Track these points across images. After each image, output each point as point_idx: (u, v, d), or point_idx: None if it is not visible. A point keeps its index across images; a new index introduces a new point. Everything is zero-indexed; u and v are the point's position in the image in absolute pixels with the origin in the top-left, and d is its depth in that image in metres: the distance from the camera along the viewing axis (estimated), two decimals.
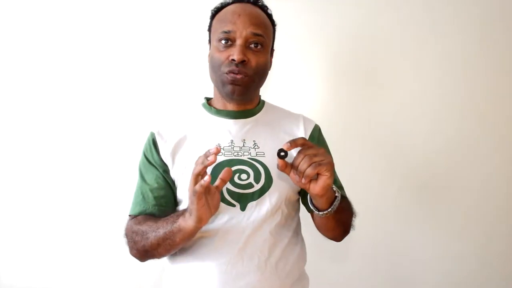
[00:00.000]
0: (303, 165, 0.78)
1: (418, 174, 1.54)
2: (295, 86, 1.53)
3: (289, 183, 0.98)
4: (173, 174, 0.99)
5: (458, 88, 1.54)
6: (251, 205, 0.94)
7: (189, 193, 0.81)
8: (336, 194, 0.89)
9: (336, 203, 0.88)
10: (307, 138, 1.03)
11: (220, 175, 0.83)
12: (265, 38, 0.97)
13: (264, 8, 1.02)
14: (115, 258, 1.50)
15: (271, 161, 0.97)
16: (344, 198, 1.02)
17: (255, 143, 0.99)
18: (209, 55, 1.02)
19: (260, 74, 0.98)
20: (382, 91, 1.54)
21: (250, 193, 0.95)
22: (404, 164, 1.54)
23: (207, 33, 1.05)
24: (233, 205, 0.94)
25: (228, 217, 0.94)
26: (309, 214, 1.08)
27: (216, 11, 1.02)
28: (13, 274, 1.51)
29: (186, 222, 0.83)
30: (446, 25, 1.53)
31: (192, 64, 1.49)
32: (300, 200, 1.07)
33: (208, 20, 1.05)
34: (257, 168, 0.96)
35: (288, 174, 0.83)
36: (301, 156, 0.79)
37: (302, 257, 1.03)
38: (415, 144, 1.54)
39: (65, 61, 1.51)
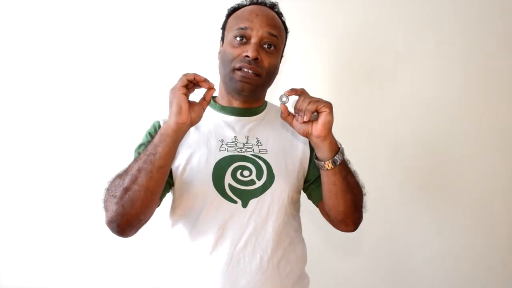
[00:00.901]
0: (303, 104, 0.85)
1: (419, 172, 1.55)
2: (296, 85, 1.52)
3: (291, 181, 0.98)
4: (173, 166, 0.97)
5: (459, 87, 1.56)
6: (252, 202, 0.94)
7: (170, 92, 0.82)
8: (339, 146, 0.90)
9: (341, 153, 0.88)
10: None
11: (206, 92, 0.85)
12: (278, 40, 0.98)
13: (279, 15, 1.04)
14: (115, 257, 1.48)
15: (274, 159, 0.97)
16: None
17: (258, 140, 0.99)
18: (220, 52, 1.03)
19: (270, 75, 0.99)
20: (383, 90, 1.55)
21: (252, 189, 0.94)
22: (405, 162, 1.55)
23: (220, 31, 1.06)
24: (235, 202, 0.93)
25: (229, 214, 0.93)
26: (310, 214, 1.07)
27: (233, 10, 1.04)
28: (12, 274, 1.49)
29: (168, 123, 0.81)
30: (448, 25, 1.55)
31: (196, 61, 1.49)
32: (306, 193, 1.06)
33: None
34: (259, 165, 0.96)
35: (291, 123, 0.89)
36: (301, 98, 0.86)
37: (303, 257, 1.03)
38: (416, 143, 1.55)
39: (68, 60, 1.51)
